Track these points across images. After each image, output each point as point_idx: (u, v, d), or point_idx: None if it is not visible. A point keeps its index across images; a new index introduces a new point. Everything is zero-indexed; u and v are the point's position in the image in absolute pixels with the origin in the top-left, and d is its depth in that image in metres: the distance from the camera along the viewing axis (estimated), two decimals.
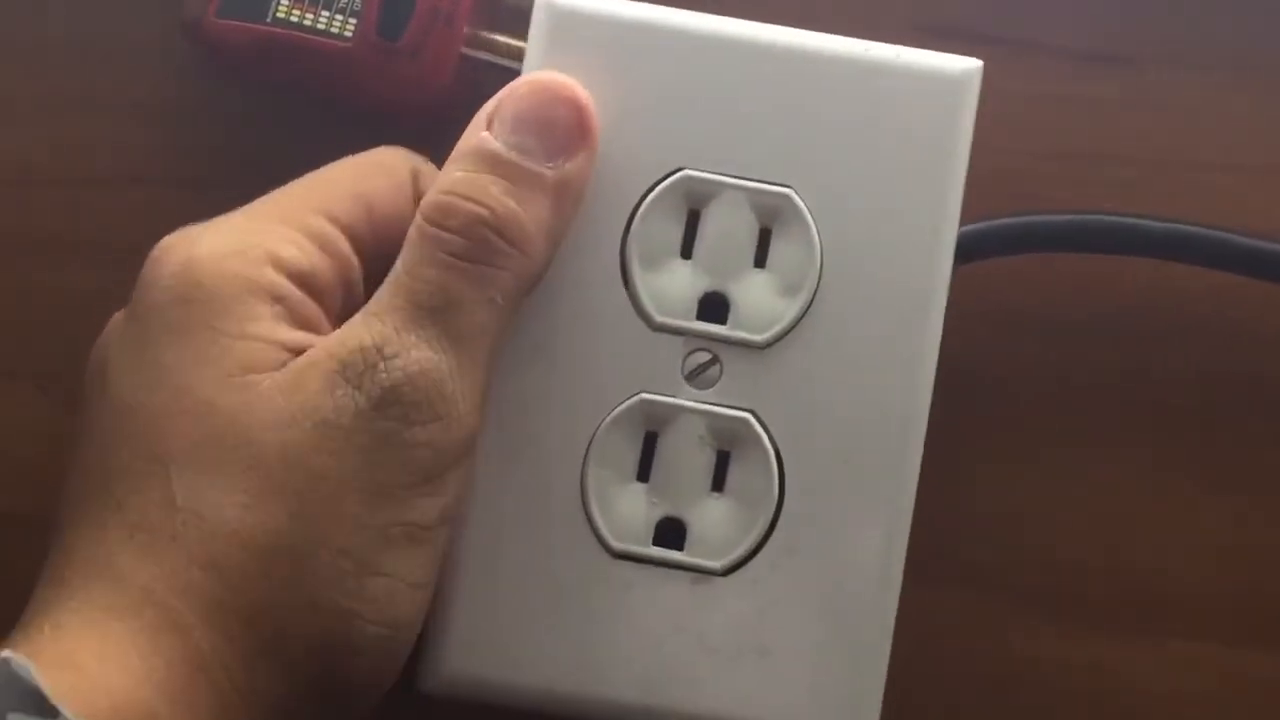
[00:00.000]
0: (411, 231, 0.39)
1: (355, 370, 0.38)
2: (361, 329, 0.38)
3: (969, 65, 0.42)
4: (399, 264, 0.39)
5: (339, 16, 0.44)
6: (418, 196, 0.41)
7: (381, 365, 0.37)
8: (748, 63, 0.42)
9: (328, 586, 0.37)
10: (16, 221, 0.49)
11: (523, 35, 0.43)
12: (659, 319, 0.42)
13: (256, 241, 0.39)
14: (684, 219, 0.42)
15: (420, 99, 0.45)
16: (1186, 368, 0.47)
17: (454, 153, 0.40)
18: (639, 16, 0.42)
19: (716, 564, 0.41)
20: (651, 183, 0.42)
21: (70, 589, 0.36)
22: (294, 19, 0.44)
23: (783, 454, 0.41)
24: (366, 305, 0.39)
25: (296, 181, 0.41)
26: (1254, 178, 0.47)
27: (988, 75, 0.42)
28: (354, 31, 0.44)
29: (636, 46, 0.42)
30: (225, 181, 0.45)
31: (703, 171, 0.42)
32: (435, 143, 0.42)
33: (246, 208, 0.41)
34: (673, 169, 0.42)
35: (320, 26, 0.44)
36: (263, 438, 0.37)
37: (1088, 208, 0.45)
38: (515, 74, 0.41)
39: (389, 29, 0.44)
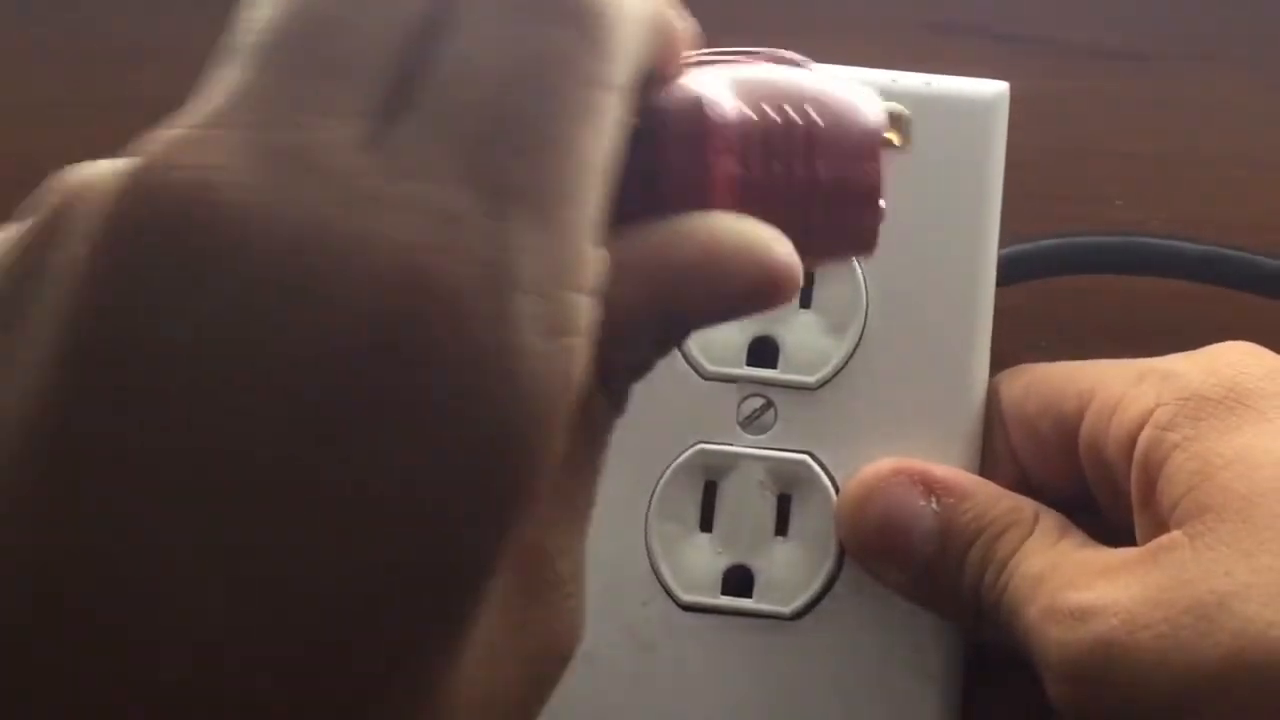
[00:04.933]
0: None
1: None
2: None
3: (997, 88, 0.42)
4: None
5: None
6: None
7: None
8: None
9: None
10: None
11: None
12: (709, 367, 0.42)
13: None
14: None
15: None
16: None
17: None
18: None
19: (785, 609, 0.41)
20: None
21: None
22: None
23: None
24: None
25: None
26: (1270, 173, 0.48)
27: (1000, 71, 0.42)
28: None
29: None
30: None
31: None
32: None
33: None
34: None
35: None
36: None
37: (1122, 229, 0.45)
38: None
39: None
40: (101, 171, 0.23)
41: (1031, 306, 0.45)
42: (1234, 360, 0.39)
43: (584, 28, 0.24)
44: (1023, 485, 0.41)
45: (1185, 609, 0.35)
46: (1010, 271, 0.43)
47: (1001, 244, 0.43)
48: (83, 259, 0.22)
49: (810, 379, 0.41)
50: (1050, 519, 0.40)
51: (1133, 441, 0.38)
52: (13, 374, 0.22)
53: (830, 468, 0.42)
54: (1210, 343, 0.41)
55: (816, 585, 0.41)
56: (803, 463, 0.41)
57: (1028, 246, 0.44)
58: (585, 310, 0.23)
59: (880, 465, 0.41)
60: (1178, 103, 0.48)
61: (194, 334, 0.22)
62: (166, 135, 0.23)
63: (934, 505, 0.40)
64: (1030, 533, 0.39)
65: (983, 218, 0.41)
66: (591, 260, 0.24)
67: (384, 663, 0.23)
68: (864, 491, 0.41)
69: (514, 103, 0.23)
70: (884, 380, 0.41)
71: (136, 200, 0.22)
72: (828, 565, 0.41)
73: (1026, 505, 0.40)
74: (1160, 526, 0.38)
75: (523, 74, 0.24)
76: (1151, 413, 0.38)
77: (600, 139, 0.24)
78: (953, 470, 0.41)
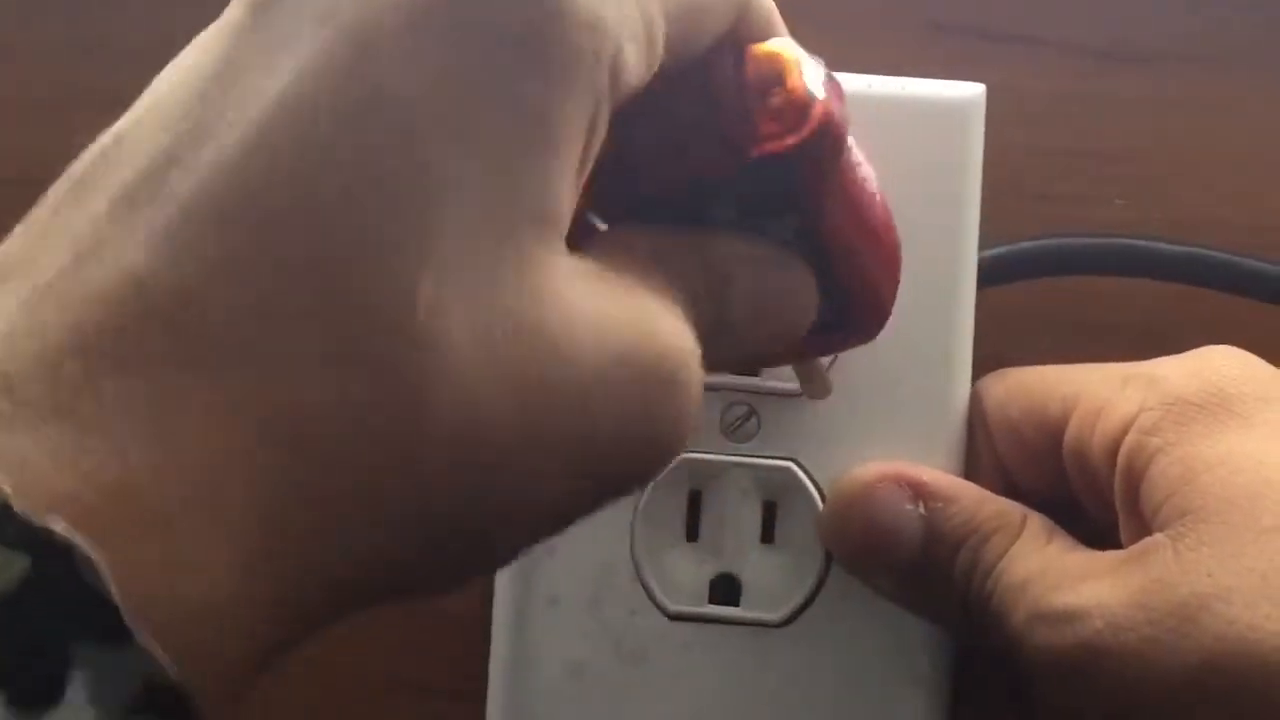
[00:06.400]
0: None
1: None
2: None
3: (974, 91, 0.42)
4: None
5: None
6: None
7: None
8: None
9: None
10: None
11: None
12: None
13: None
14: None
15: None
16: None
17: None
18: None
19: (773, 616, 0.41)
20: None
21: None
22: None
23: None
24: None
25: None
26: (1270, 174, 0.47)
27: (999, 71, 0.42)
28: None
29: None
30: None
31: None
32: None
33: None
34: None
35: None
36: None
37: (1104, 231, 0.45)
38: None
39: None
40: None
41: (1019, 307, 0.45)
42: (1218, 365, 0.39)
43: None
44: (1007, 488, 0.41)
45: (1168, 611, 0.35)
46: (993, 273, 0.43)
47: (999, 244, 0.43)
48: None
49: (793, 385, 0.41)
50: (1037, 522, 0.39)
51: (1117, 446, 0.38)
52: None
53: (815, 474, 0.41)
54: (1197, 343, 0.40)
55: (804, 592, 0.41)
56: (787, 470, 0.41)
57: (1009, 248, 0.44)
58: None
59: (866, 470, 0.41)
60: (1177, 103, 0.48)
61: None
62: None
63: (920, 509, 0.40)
64: (1018, 536, 0.39)
65: (962, 220, 0.41)
66: None
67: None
68: (850, 497, 0.41)
69: None
70: (867, 385, 0.41)
71: None
72: (815, 572, 0.41)
73: (1014, 509, 0.40)
74: (1144, 530, 0.37)
75: None
76: (1135, 418, 0.38)
77: None
78: (939, 474, 0.41)
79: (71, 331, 0.24)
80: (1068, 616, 0.37)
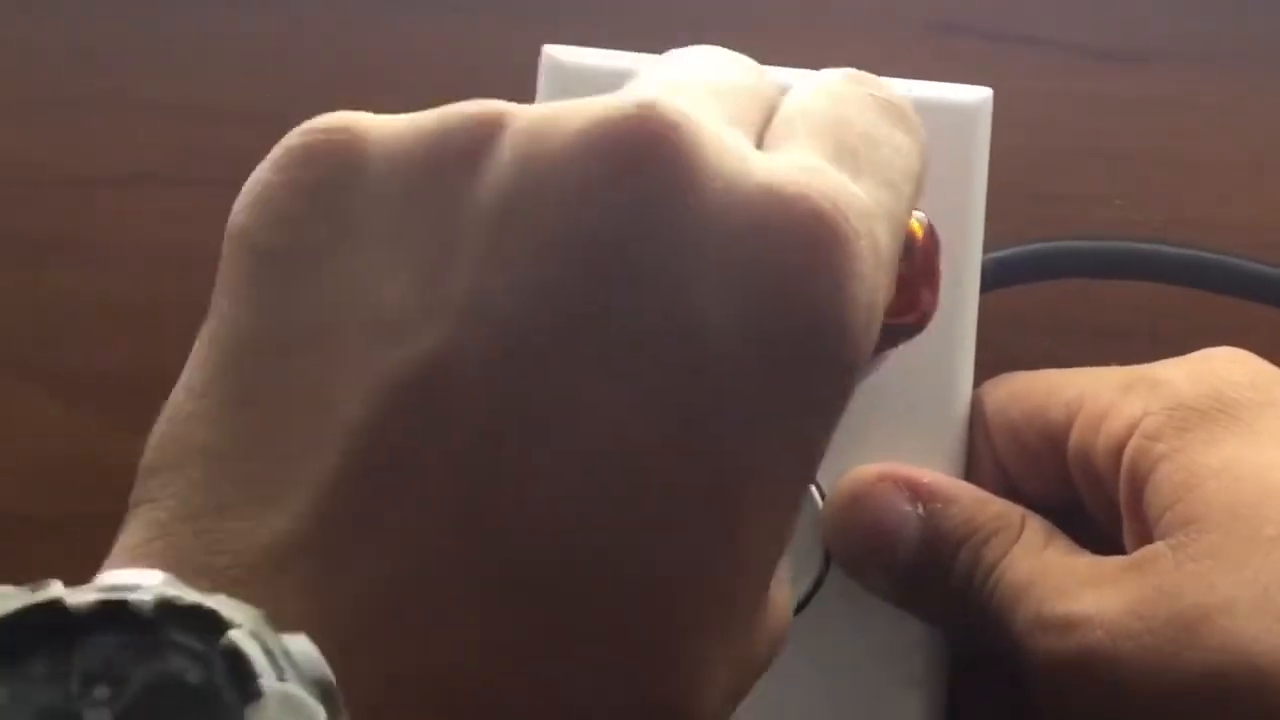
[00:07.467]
0: None
1: None
2: None
3: (981, 94, 0.42)
4: None
5: None
6: None
7: None
8: None
9: None
10: (24, 221, 0.49)
11: None
12: None
13: None
14: None
15: None
16: None
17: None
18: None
19: None
20: None
21: None
22: None
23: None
24: None
25: None
26: (1270, 174, 0.47)
27: (1000, 71, 0.42)
28: None
29: None
30: (234, 180, 0.45)
31: None
32: None
33: None
34: None
35: None
36: None
37: (1106, 233, 0.45)
38: None
39: None
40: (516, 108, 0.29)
41: (1021, 310, 0.45)
42: (1220, 369, 0.39)
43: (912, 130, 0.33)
44: (1008, 493, 0.41)
45: (1168, 621, 0.35)
46: (994, 277, 0.43)
47: (1000, 246, 0.43)
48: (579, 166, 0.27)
49: None
50: (1036, 524, 0.40)
51: (1121, 451, 0.38)
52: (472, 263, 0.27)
53: (816, 475, 0.41)
54: (1200, 346, 0.40)
55: (802, 591, 0.41)
56: None
57: (1009, 251, 0.44)
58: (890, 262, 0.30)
59: (866, 470, 0.41)
60: (1177, 103, 0.48)
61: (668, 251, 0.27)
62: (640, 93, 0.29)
63: (920, 510, 0.40)
64: (1017, 538, 0.39)
65: (967, 224, 0.41)
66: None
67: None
68: (850, 496, 0.41)
69: (864, 140, 0.31)
70: (868, 387, 0.41)
71: (628, 126, 0.28)
72: (813, 572, 0.41)
73: (1013, 510, 0.40)
74: (1148, 535, 0.38)
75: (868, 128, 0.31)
76: (1139, 422, 0.38)
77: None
78: (939, 475, 0.41)
79: None
80: (1068, 624, 0.37)
